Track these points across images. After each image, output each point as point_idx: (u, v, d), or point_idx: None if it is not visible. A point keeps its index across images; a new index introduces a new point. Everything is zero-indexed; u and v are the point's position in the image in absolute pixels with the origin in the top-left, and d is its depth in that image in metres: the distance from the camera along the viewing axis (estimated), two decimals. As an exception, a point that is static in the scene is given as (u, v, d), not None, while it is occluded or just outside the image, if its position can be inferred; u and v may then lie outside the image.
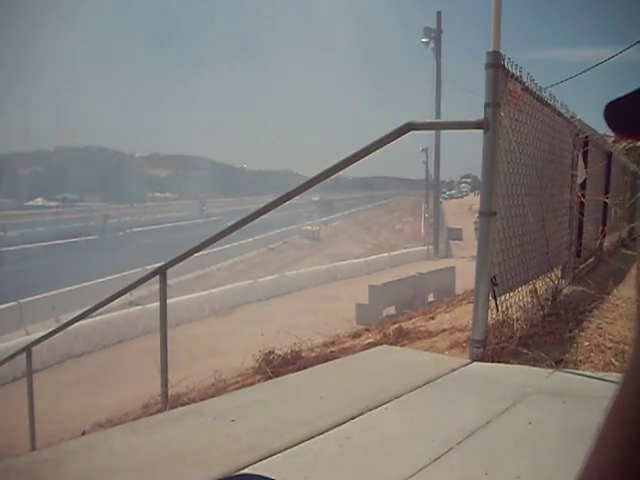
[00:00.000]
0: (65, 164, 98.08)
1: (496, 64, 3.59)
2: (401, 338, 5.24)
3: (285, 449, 2.28)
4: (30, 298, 18.10)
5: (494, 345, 3.70)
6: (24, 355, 6.13)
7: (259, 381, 5.52)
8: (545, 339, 3.98)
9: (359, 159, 3.65)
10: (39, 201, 72.91)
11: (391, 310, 19.00)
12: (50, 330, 6.28)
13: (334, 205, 78.30)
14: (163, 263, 4.06)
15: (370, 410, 2.73)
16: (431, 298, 20.58)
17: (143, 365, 13.12)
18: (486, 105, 3.57)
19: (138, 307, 17.22)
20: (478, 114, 3.58)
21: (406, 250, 39.23)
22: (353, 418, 2.63)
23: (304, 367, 4.64)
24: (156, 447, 2.35)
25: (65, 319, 17.41)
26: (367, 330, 7.58)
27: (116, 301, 5.58)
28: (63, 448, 2.46)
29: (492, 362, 3.57)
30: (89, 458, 2.26)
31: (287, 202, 3.79)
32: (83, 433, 8.15)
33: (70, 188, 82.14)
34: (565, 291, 5.44)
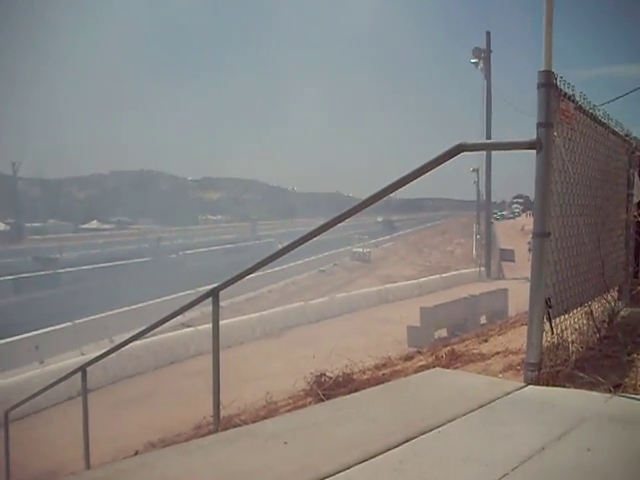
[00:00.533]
0: (119, 187, 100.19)
1: (548, 83, 3.55)
2: (454, 361, 5.19)
3: (338, 472, 2.27)
4: (85, 319, 18.45)
5: (549, 368, 3.63)
6: (79, 375, 6.25)
7: (310, 403, 5.52)
8: (602, 362, 3.88)
9: (410, 181, 3.64)
10: (94, 224, 74.55)
11: (443, 332, 18.84)
12: (104, 351, 6.38)
13: (395, 226, 79.46)
14: (216, 285, 4.10)
15: (423, 434, 2.70)
16: (483, 320, 20.35)
17: (195, 386, 13.28)
18: (538, 125, 3.53)
19: (190, 329, 17.39)
20: (529, 134, 3.55)
21: (458, 272, 38.90)
22: (406, 442, 2.60)
23: (356, 390, 4.62)
24: (209, 468, 2.36)
25: (118, 340, 17.72)
26: (419, 353, 7.53)
27: (168, 322, 5.65)
28: (117, 467, 2.49)
29: (547, 386, 3.50)
30: (143, 478, 2.28)
31: (338, 224, 3.80)
32: (136, 453, 8.25)
33: (124, 211, 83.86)
34: (622, 313, 5.31)
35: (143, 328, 5.24)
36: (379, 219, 75.65)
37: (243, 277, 4.06)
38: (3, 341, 15.79)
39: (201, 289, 21.49)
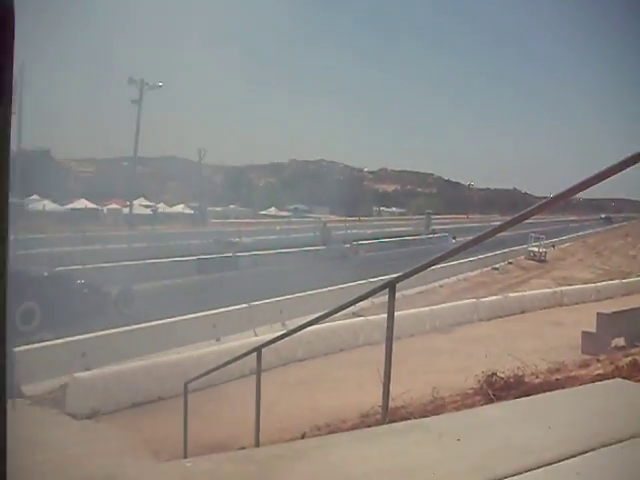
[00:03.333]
0: (297, 176, 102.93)
1: None
2: (636, 372, 4.90)
3: (511, 475, 2.22)
4: (260, 302, 19.12)
5: None
6: (253, 355, 6.51)
7: (479, 402, 5.43)
8: None
9: (591, 185, 3.45)
10: (272, 211, 77.15)
11: (620, 341, 17.77)
12: (281, 333, 6.60)
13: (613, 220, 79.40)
14: (394, 277, 4.10)
15: (603, 447, 2.58)
16: (669, 333, 18.97)
17: (361, 375, 13.42)
18: None
19: (360, 318, 17.61)
20: None
21: (640, 278, 36.53)
22: (584, 453, 2.50)
23: (527, 393, 4.49)
24: (381, 457, 2.39)
25: (290, 324, 18.32)
26: (597, 360, 7.18)
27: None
28: (294, 447, 2.59)
29: None
30: (320, 459, 2.36)
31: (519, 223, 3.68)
32: (303, 436, 8.49)
33: (301, 199, 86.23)
34: None
35: (319, 314, 5.34)
36: (602, 215, 75.15)
37: (421, 271, 4.04)
38: (184, 317, 16.70)
39: (373, 280, 21.68)
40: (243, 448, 8.79)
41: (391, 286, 4.03)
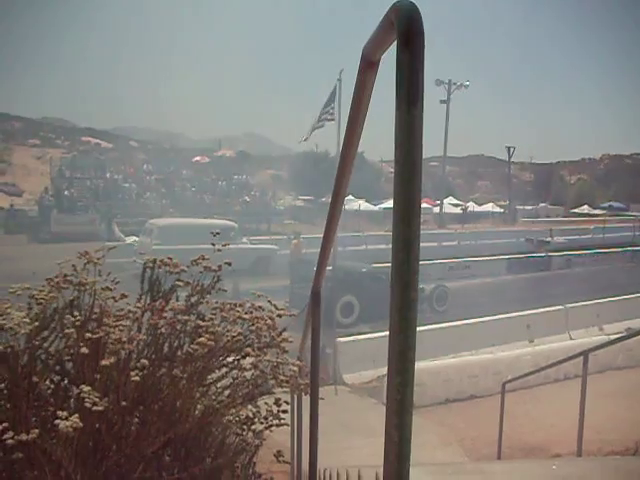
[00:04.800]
0: (611, 172, 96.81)
1: None
2: None
3: None
4: (575, 304, 18.44)
5: None
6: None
7: None
8: None
9: None
10: (585, 209, 73.51)
11: None
12: (612, 339, 6.43)
13: None
14: None
15: None
16: None
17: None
18: None
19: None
20: None
21: None
22: None
23: None
24: None
25: (608, 329, 17.41)
26: None
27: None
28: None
29: None
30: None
31: None
32: (635, 452, 8.10)
33: (616, 197, 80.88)
34: None
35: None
36: None
37: None
38: (497, 317, 16.71)
39: None
40: (558, 455, 8.66)
41: None
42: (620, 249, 35.24)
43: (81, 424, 2.24)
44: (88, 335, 2.60)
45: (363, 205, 51.27)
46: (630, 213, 66.49)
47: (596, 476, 2.38)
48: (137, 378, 2.50)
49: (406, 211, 0.99)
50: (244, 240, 26.77)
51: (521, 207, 69.28)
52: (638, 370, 15.03)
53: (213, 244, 3.25)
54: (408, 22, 1.00)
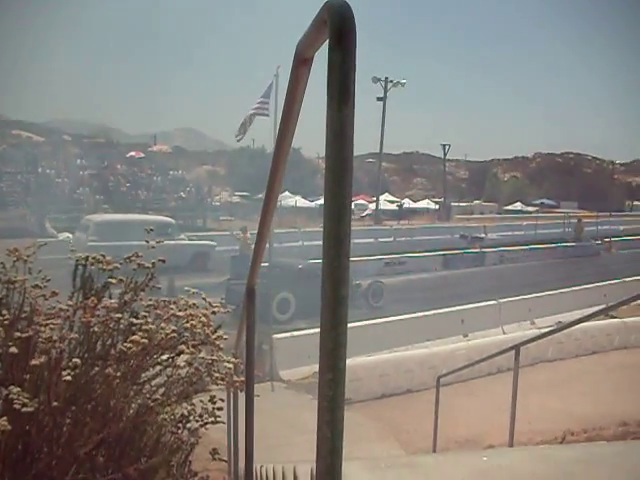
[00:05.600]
0: (543, 170, 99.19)
1: None
2: None
3: None
4: (508, 299, 18.84)
5: None
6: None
7: None
8: None
9: None
10: (517, 206, 75.14)
11: None
12: (541, 332, 6.59)
13: None
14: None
15: None
16: None
17: (617, 380, 12.79)
18: None
19: (616, 320, 16.70)
20: None
21: None
22: None
23: None
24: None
25: (539, 323, 17.86)
26: None
27: (591, 310, 5.64)
28: (590, 450, 2.64)
29: None
30: (618, 465, 2.39)
31: None
32: (562, 441, 8.33)
33: (547, 194, 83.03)
34: None
35: (582, 317, 5.27)
36: None
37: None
38: (432, 312, 16.95)
39: (629, 280, 20.49)
40: (492, 446, 8.84)
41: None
42: (551, 245, 36.19)
43: (9, 426, 2.19)
44: (17, 334, 2.54)
45: (300, 201, 51.37)
46: (560, 210, 68.22)
47: (523, 466, 2.44)
48: (69, 377, 2.45)
49: (337, 209, 1.00)
50: (182, 236, 26.51)
51: (456, 204, 70.39)
52: (568, 362, 15.48)
53: (147, 241, 3.21)
54: (340, 21, 1.00)
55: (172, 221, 27.04)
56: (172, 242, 23.35)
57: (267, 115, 15.29)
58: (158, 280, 3.15)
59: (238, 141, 18.91)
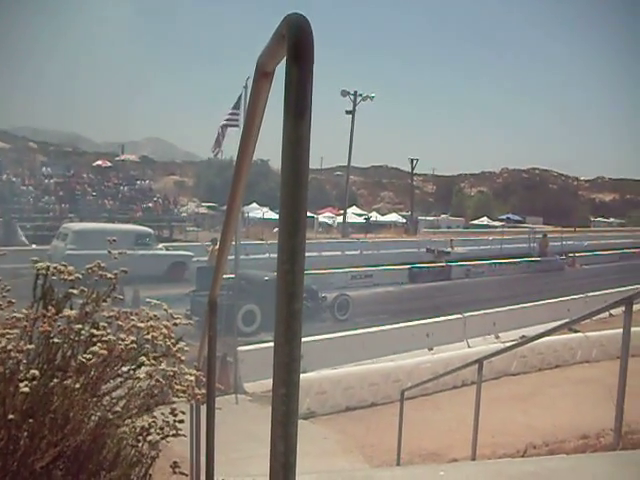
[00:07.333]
0: (510, 185, 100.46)
1: None
2: None
3: None
4: (473, 313, 18.97)
5: None
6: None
7: None
8: None
9: None
10: (484, 220, 75.85)
11: None
12: (504, 347, 6.65)
13: None
14: (632, 294, 4.06)
15: None
16: None
17: (579, 393, 12.94)
18: None
19: (578, 334, 16.90)
20: None
21: None
22: None
23: None
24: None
25: (504, 337, 18.01)
26: None
27: (554, 325, 5.71)
28: (547, 465, 2.66)
29: None
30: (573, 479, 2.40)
31: None
32: (524, 454, 8.38)
33: (513, 209, 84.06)
34: None
35: (548, 329, 5.33)
36: None
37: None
38: (398, 325, 17.00)
39: (592, 295, 20.76)
40: (455, 460, 8.87)
41: (627, 302, 3.99)
42: (516, 259, 36.61)
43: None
44: (-28, 345, 2.49)
45: (267, 213, 51.32)
46: (526, 225, 68.97)
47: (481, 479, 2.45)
48: (26, 389, 2.41)
49: (291, 223, 1.00)
50: (160, 246, 26.48)
51: (423, 218, 70.82)
52: (531, 376, 15.62)
53: (109, 251, 3.18)
54: (297, 35, 1.01)
55: (150, 231, 27.05)
56: (150, 252, 23.33)
57: (238, 126, 15.29)
58: (122, 291, 3.12)
59: (215, 155, 18.92)
